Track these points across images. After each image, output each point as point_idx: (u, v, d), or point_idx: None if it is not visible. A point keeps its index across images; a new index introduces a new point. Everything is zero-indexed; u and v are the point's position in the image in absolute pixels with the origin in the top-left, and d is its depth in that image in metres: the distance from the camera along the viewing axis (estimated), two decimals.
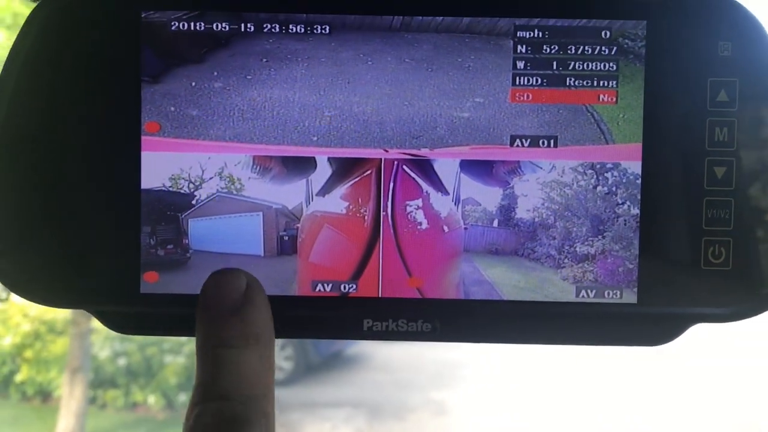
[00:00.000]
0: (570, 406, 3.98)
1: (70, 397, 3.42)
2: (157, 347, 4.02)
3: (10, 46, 0.37)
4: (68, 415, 3.41)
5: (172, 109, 0.38)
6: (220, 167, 0.38)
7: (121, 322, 0.39)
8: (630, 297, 0.38)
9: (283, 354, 4.52)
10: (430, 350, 4.94)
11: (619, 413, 3.89)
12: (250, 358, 0.32)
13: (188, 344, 3.97)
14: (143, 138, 0.38)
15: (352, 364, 4.90)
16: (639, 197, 0.38)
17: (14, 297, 3.75)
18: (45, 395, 4.11)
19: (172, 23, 0.38)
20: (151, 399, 3.97)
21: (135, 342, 4.01)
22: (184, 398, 3.93)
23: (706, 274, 0.38)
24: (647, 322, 0.38)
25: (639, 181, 0.38)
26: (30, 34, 0.37)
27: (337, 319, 0.39)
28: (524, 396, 4.15)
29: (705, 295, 0.38)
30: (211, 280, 0.33)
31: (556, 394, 4.13)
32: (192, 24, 0.38)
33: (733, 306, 0.38)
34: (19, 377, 4.05)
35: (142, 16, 0.37)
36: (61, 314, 4.11)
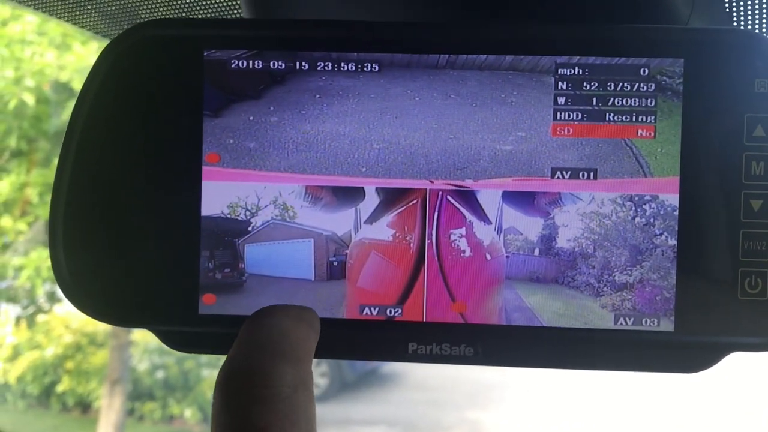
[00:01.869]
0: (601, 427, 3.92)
1: (109, 408, 3.48)
2: (195, 361, 4.07)
3: (81, 85, 0.40)
4: (107, 426, 3.47)
5: (231, 141, 0.40)
6: (275, 196, 0.40)
7: (180, 341, 0.41)
8: (667, 325, 0.39)
9: (319, 371, 4.55)
10: (464, 370, 4.91)
11: None
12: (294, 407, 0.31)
13: (225, 359, 4.01)
14: (204, 168, 0.40)
15: (387, 382, 4.90)
16: (676, 228, 0.39)
17: (57, 309, 3.84)
18: (85, 406, 4.19)
19: (232, 61, 0.40)
20: (188, 412, 4.02)
21: (173, 356, 4.07)
22: None
23: (743, 303, 0.39)
24: (684, 350, 0.39)
25: (676, 213, 0.39)
26: (100, 72, 0.40)
27: (384, 341, 0.40)
28: (559, 417, 4.10)
29: (741, 324, 0.39)
30: (243, 327, 0.33)
31: (589, 417, 4.07)
32: (251, 62, 0.40)
33: None
34: (60, 388, 4.13)
35: (205, 54, 0.40)
36: (102, 327, 4.19)
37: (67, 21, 0.68)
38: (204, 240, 0.40)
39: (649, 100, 0.39)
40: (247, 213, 0.40)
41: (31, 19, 3.11)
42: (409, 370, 5.02)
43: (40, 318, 4.15)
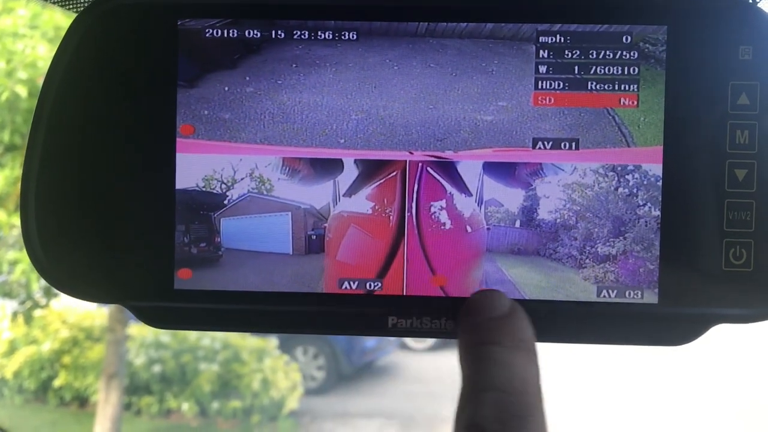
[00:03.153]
0: (606, 420, 3.93)
1: (106, 402, 3.48)
2: (192, 355, 4.06)
3: (53, 56, 0.39)
4: (104, 420, 3.46)
5: (206, 112, 0.39)
6: (251, 168, 0.40)
7: (155, 317, 0.40)
8: (651, 297, 0.39)
9: (315, 364, 4.54)
10: None
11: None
12: (520, 359, 0.34)
13: (222, 352, 4.01)
14: (178, 140, 0.39)
15: (385, 374, 4.90)
16: (660, 199, 0.38)
17: (53, 304, 3.83)
18: (82, 401, 4.18)
19: (207, 30, 0.39)
20: (185, 406, 4.02)
21: (170, 349, 4.07)
22: (217, 405, 3.97)
23: (727, 275, 0.38)
24: (668, 323, 0.39)
25: (660, 183, 0.38)
26: (71, 43, 0.39)
27: (363, 316, 0.40)
28: (557, 407, 4.10)
29: (726, 295, 0.38)
30: (478, 294, 0.37)
31: (589, 407, 4.08)
32: (225, 31, 0.39)
33: (754, 307, 0.38)
34: (57, 382, 4.12)
35: (178, 23, 0.39)
36: (98, 321, 4.19)
37: None
38: (179, 214, 0.40)
39: (631, 68, 0.39)
40: (223, 186, 0.40)
41: (23, 12, 3.09)
42: (405, 361, 5.03)
43: (37, 313, 4.14)
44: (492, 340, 0.34)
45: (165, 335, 4.12)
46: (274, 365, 4.06)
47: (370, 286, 0.40)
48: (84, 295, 0.40)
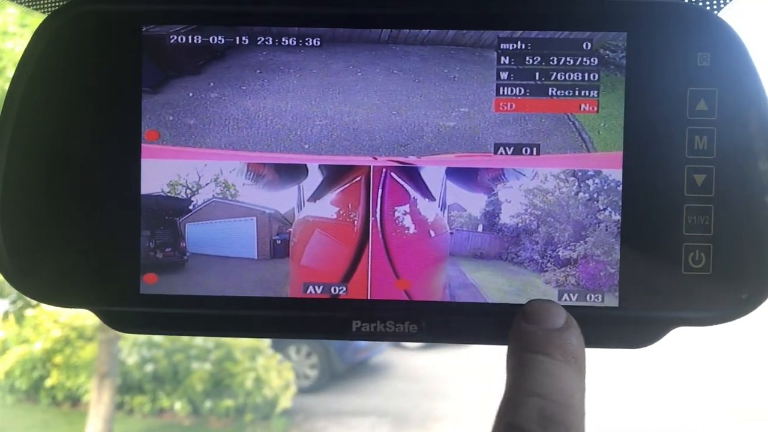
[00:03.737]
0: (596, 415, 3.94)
1: (99, 402, 3.48)
2: (184, 354, 4.06)
3: (18, 61, 0.40)
4: (96, 419, 3.46)
5: (171, 118, 0.40)
6: (216, 174, 0.40)
7: (121, 322, 0.41)
8: (611, 301, 0.39)
9: (308, 362, 4.55)
10: (455, 359, 4.92)
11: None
12: (568, 374, 0.34)
13: (215, 351, 4.01)
14: (143, 146, 0.40)
15: (378, 372, 4.91)
16: (620, 204, 0.39)
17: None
18: (74, 400, 4.18)
19: (171, 37, 0.40)
20: (178, 405, 4.01)
21: (162, 348, 4.06)
22: (210, 405, 3.97)
23: (687, 278, 0.39)
24: (628, 325, 0.39)
25: (620, 189, 0.39)
26: (36, 49, 0.39)
27: (327, 320, 0.40)
28: None
29: (685, 299, 0.39)
30: (536, 302, 0.37)
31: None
32: (190, 37, 0.40)
33: (713, 310, 0.39)
34: (49, 382, 4.12)
35: (143, 30, 0.39)
36: (90, 321, 4.18)
37: None
38: (144, 219, 0.40)
39: (592, 75, 0.39)
40: (188, 191, 0.40)
41: (12, 11, 3.08)
42: (398, 359, 5.04)
43: (28, 312, 4.14)
44: (544, 351, 0.34)
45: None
46: (266, 364, 4.06)
47: (334, 290, 0.40)
48: (50, 300, 0.40)
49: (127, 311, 0.40)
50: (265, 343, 4.16)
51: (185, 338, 4.10)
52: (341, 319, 0.40)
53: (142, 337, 4.09)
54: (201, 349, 4.08)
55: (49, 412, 4.14)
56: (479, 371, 4.70)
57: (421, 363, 4.98)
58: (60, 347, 4.14)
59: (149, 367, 4.07)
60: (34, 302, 4.08)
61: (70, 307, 0.41)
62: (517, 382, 0.34)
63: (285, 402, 4.04)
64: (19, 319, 4.20)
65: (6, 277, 0.40)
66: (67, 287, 0.40)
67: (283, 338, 0.39)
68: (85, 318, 4.28)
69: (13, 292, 3.93)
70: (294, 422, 4.11)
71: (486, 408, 4.15)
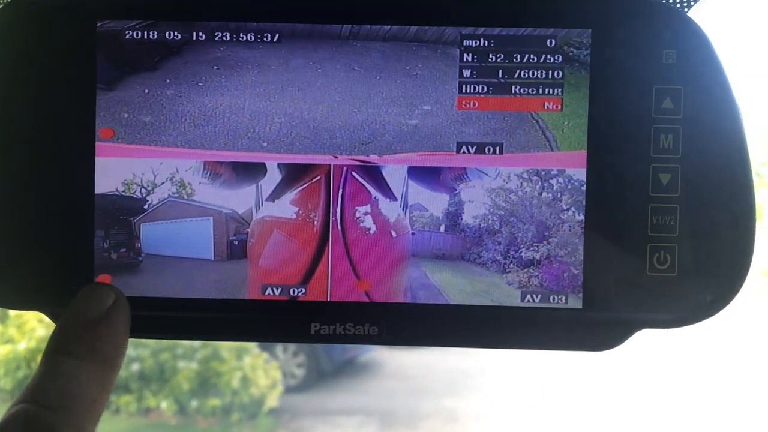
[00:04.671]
0: (580, 416, 3.95)
1: None
2: (170, 353, 4.04)
3: None
4: None
5: (126, 115, 0.39)
6: (172, 172, 0.39)
7: None
8: (575, 302, 0.39)
9: (296, 361, 4.53)
10: (442, 358, 4.92)
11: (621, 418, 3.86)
12: (85, 372, 0.32)
13: (201, 350, 4.00)
14: (97, 144, 0.39)
15: (365, 371, 4.90)
16: (584, 204, 0.38)
17: None
18: None
19: (126, 32, 0.39)
20: (164, 404, 3.99)
21: (148, 347, 4.04)
22: (196, 404, 3.95)
23: (651, 280, 0.38)
24: (592, 327, 0.39)
25: (584, 188, 0.38)
26: None
27: (285, 322, 0.39)
28: (536, 404, 4.13)
29: (650, 300, 0.38)
30: (81, 291, 0.34)
31: (566, 403, 4.10)
32: (145, 33, 0.39)
33: (678, 312, 0.38)
34: None
35: (98, 25, 0.38)
36: None
37: None
38: (98, 219, 0.39)
39: (555, 72, 0.38)
40: (143, 190, 0.39)
41: None
42: (386, 358, 5.03)
43: (12, 312, 4.11)
44: (65, 350, 0.32)
45: None
46: (253, 363, 4.05)
47: (293, 292, 0.39)
48: (3, 303, 0.39)
49: None
50: (252, 342, 4.14)
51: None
52: (300, 321, 0.39)
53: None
54: (187, 348, 4.06)
55: None
56: (467, 370, 4.71)
57: (410, 362, 4.97)
58: (44, 346, 4.11)
59: (135, 366, 4.05)
60: None
61: (22, 309, 0.40)
62: (27, 385, 0.32)
63: (272, 401, 4.03)
64: (3, 318, 4.16)
65: None
66: (19, 289, 0.39)
67: (240, 341, 0.38)
68: None
69: None
70: (281, 421, 4.10)
71: (473, 406, 4.16)
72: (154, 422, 4.06)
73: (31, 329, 4.09)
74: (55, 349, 0.33)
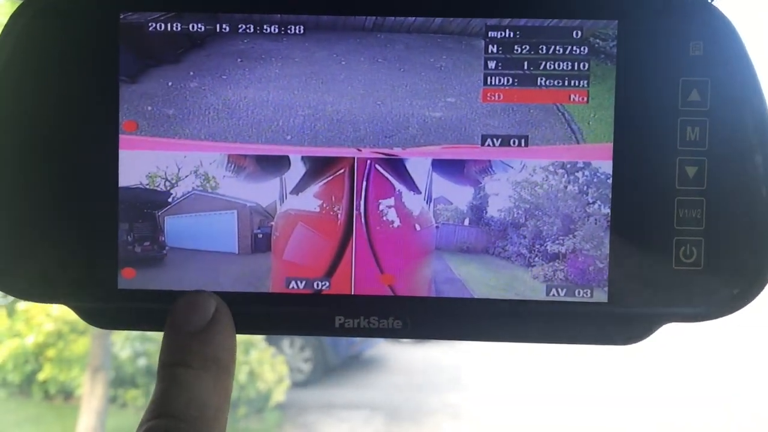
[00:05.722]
0: (583, 410, 3.95)
1: (91, 396, 3.46)
2: None
3: None
4: (89, 413, 3.45)
5: (149, 108, 0.39)
6: (196, 165, 0.39)
7: (99, 317, 0.40)
8: (600, 296, 0.38)
9: (302, 356, 4.54)
10: (447, 354, 4.93)
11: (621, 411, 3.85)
12: (205, 381, 0.33)
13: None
14: (121, 137, 0.39)
15: (371, 366, 4.91)
16: (610, 197, 0.38)
17: None
18: (67, 394, 4.16)
19: (150, 24, 0.38)
20: None
21: (155, 342, 4.05)
22: None
23: (678, 273, 0.38)
24: (618, 322, 0.38)
25: (610, 181, 0.38)
26: (10, 36, 0.38)
27: (310, 316, 0.39)
28: (541, 399, 4.13)
29: (676, 294, 0.38)
30: (181, 301, 0.35)
31: (573, 398, 4.10)
32: (169, 25, 0.38)
33: (704, 306, 0.38)
34: (41, 376, 4.10)
35: (121, 17, 0.38)
36: None
37: None
38: (122, 212, 0.39)
39: (581, 64, 0.38)
40: (167, 183, 0.39)
41: (2, 1, 3.06)
42: (391, 353, 5.03)
43: (20, 306, 4.11)
44: (181, 362, 0.33)
45: None
46: (260, 358, 4.05)
47: (317, 285, 0.39)
48: (25, 296, 0.39)
49: (105, 307, 0.39)
50: (259, 336, 4.14)
51: None
52: (324, 315, 0.39)
53: (134, 332, 4.07)
54: None
55: (41, 406, 4.13)
56: (473, 365, 4.71)
57: (415, 357, 4.97)
58: (52, 341, 4.12)
59: (142, 361, 4.06)
60: None
61: (46, 302, 0.40)
62: (151, 400, 0.32)
63: (279, 396, 4.04)
64: (11, 312, 4.18)
65: None
66: (42, 283, 0.39)
67: (264, 334, 0.38)
68: None
69: None
70: (287, 416, 4.11)
71: (479, 402, 4.16)
72: None
73: (38, 324, 4.10)
74: (171, 362, 0.33)
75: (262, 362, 4.06)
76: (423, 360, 4.88)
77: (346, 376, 4.66)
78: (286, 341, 4.51)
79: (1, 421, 3.91)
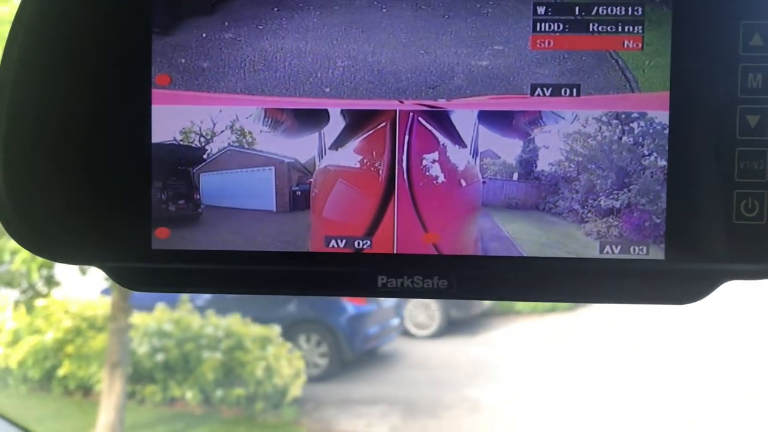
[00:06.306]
0: (600, 408, 3.92)
1: (110, 391, 3.47)
2: (195, 343, 4.06)
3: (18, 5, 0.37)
4: (108, 409, 3.46)
5: (183, 61, 0.37)
6: (232, 120, 0.37)
7: (132, 279, 0.38)
8: (657, 253, 0.36)
9: (318, 351, 4.54)
10: (464, 348, 4.91)
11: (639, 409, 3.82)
12: None
13: (225, 340, 4.01)
14: (154, 91, 0.37)
15: (388, 361, 4.89)
16: (666, 148, 0.36)
17: (55, 293, 3.82)
18: (86, 390, 4.18)
19: None
20: (189, 394, 4.01)
21: (173, 338, 4.06)
22: (220, 393, 3.96)
23: (739, 228, 0.36)
24: (675, 280, 0.37)
25: (666, 132, 0.36)
26: None
27: (351, 275, 0.38)
28: (557, 394, 4.10)
29: (737, 250, 0.36)
30: None
31: (587, 393, 4.07)
32: None
33: (767, 262, 0.36)
34: (61, 372, 4.12)
35: None
36: (101, 310, 4.18)
37: None
38: (155, 169, 0.37)
39: (636, 9, 0.36)
40: (202, 139, 0.37)
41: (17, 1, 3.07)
42: (408, 348, 5.02)
43: (39, 302, 4.14)
44: None
45: (168, 324, 4.11)
46: (277, 353, 4.05)
47: (358, 244, 0.37)
48: (57, 257, 0.38)
49: (138, 267, 0.38)
50: (275, 332, 4.15)
51: (195, 327, 4.09)
52: (366, 274, 0.37)
53: (152, 327, 4.08)
54: (211, 338, 4.08)
55: (61, 402, 4.15)
56: (489, 359, 4.68)
57: (431, 351, 4.96)
58: (71, 337, 4.14)
59: (160, 357, 4.07)
60: (44, 291, 4.09)
61: (78, 263, 0.39)
62: None
63: (295, 390, 4.03)
64: (30, 309, 4.20)
65: (11, 233, 0.37)
66: (74, 243, 0.37)
67: (303, 295, 0.36)
68: (96, 308, 4.28)
69: (23, 282, 3.93)
70: (304, 411, 4.11)
71: (496, 395, 4.13)
72: (179, 412, 4.08)
73: (58, 320, 4.12)
74: None
75: (279, 357, 4.06)
76: (439, 354, 4.87)
77: (362, 371, 4.65)
78: (302, 336, 4.51)
79: (23, 417, 3.93)
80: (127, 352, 3.61)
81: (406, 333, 5.23)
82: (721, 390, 3.83)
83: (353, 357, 4.64)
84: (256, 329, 4.15)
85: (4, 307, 4.25)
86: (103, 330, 4.07)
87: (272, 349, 4.08)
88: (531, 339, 5.07)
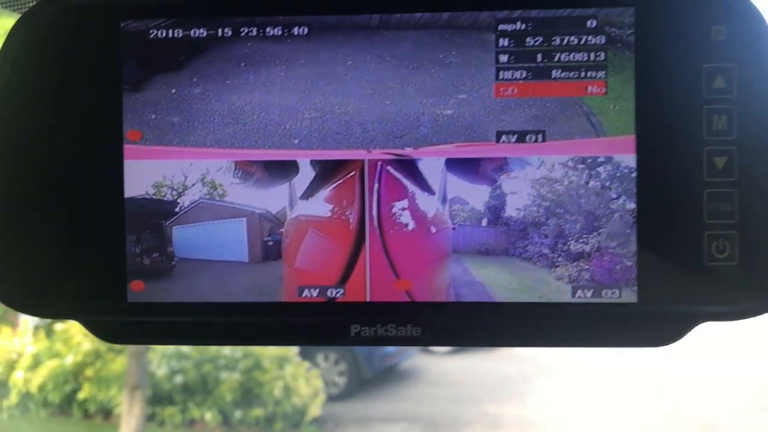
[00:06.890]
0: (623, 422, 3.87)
1: (130, 414, 3.49)
2: (213, 364, 4.07)
3: None
4: (128, 431, 3.48)
5: (153, 116, 0.38)
6: (203, 173, 0.38)
7: (109, 332, 0.39)
8: (630, 296, 0.36)
9: (337, 369, 4.53)
10: (483, 363, 4.87)
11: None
12: None
13: (243, 360, 4.02)
14: (126, 146, 0.38)
15: (407, 378, 4.88)
16: (635, 191, 0.36)
17: None
18: (106, 413, 4.20)
19: (151, 31, 0.38)
20: (208, 415, 4.02)
21: (191, 359, 4.08)
22: (239, 414, 3.97)
23: (711, 270, 0.36)
24: (649, 322, 0.36)
25: (634, 175, 0.36)
26: (12, 47, 0.37)
27: (324, 325, 0.38)
28: (579, 409, 4.05)
29: (710, 292, 0.36)
30: None
31: (610, 410, 4.02)
32: (170, 31, 0.38)
33: (741, 303, 0.36)
34: (81, 395, 4.15)
35: (121, 25, 0.38)
36: None
37: None
38: (129, 223, 0.38)
39: (598, 54, 0.36)
40: (174, 193, 0.38)
41: None
42: (427, 364, 5.00)
43: (58, 326, 4.17)
44: None
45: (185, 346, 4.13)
46: (295, 372, 4.05)
47: (331, 293, 0.38)
48: (35, 312, 0.38)
49: (115, 320, 0.38)
50: (293, 350, 4.15)
51: (213, 348, 4.10)
52: (339, 324, 0.37)
53: (170, 349, 4.11)
54: (229, 359, 4.09)
55: (82, 425, 4.18)
56: (509, 375, 4.65)
57: (450, 368, 4.93)
58: (90, 360, 4.17)
59: (179, 378, 4.08)
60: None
61: (56, 318, 0.39)
62: None
63: (314, 410, 4.03)
64: (49, 333, 4.24)
65: None
66: (51, 297, 0.38)
67: (277, 345, 0.36)
68: None
69: None
70: (324, 430, 4.10)
71: (517, 412, 4.10)
72: None
73: (77, 343, 4.15)
74: None
75: (297, 377, 4.06)
76: (459, 371, 4.84)
77: (381, 389, 4.64)
78: (320, 355, 4.51)
79: None
80: (146, 374, 3.63)
81: (424, 349, 5.21)
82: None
83: (372, 375, 4.63)
84: (273, 349, 4.15)
85: (24, 332, 4.29)
86: (122, 353, 4.09)
87: (290, 368, 4.08)
88: (551, 351, 5.02)
